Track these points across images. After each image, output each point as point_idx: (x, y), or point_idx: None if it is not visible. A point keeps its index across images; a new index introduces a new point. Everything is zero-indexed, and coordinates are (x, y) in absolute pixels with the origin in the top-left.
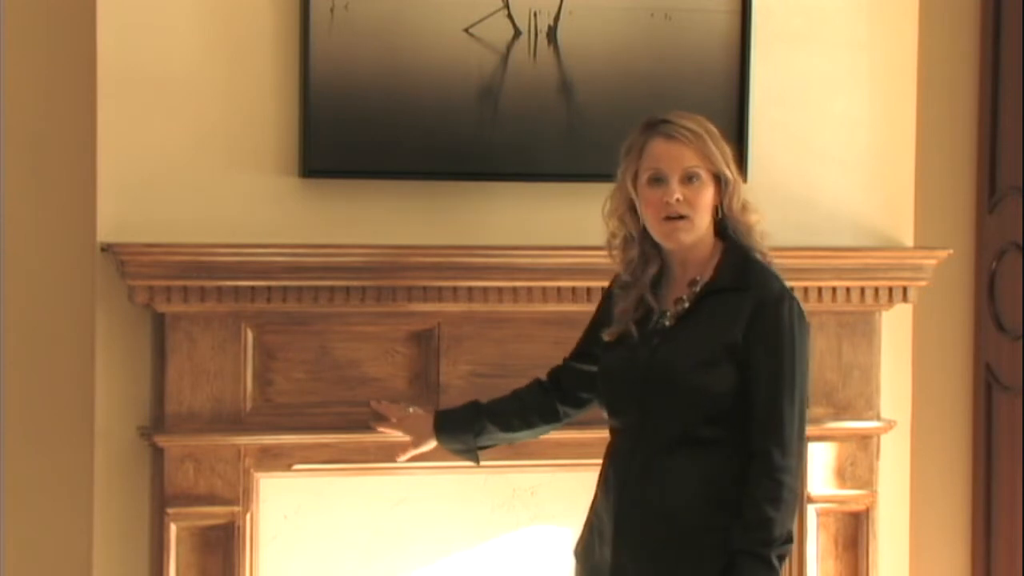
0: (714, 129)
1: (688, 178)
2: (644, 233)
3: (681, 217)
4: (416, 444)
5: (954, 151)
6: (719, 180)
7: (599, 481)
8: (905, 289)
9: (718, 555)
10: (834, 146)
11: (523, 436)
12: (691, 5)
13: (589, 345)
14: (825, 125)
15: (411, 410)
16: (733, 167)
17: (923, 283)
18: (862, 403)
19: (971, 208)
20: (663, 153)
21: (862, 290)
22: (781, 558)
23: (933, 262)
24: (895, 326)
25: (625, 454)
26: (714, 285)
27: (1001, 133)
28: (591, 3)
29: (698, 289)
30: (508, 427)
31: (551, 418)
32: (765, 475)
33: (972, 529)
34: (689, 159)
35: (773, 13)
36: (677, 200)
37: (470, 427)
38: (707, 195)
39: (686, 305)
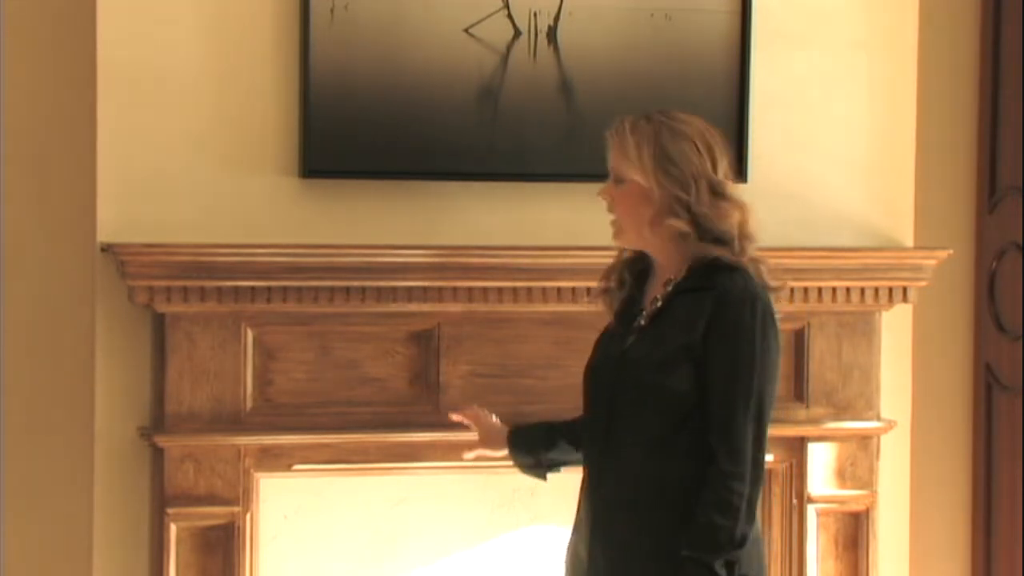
0: (676, 128)
1: (614, 180)
2: None
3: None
4: (485, 445)
5: (954, 151)
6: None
7: (580, 482)
8: (905, 289)
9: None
10: (834, 146)
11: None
12: (691, 5)
13: None
14: (825, 125)
15: (494, 417)
16: (669, 173)
17: (923, 283)
18: (862, 403)
19: (971, 208)
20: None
21: (862, 290)
22: (730, 565)
23: (933, 262)
24: (895, 326)
25: (596, 452)
26: (683, 285)
27: (1001, 133)
28: (591, 3)
29: (670, 289)
30: (579, 444)
31: None
32: (715, 480)
33: (972, 529)
34: (612, 159)
35: (773, 13)
36: (605, 200)
37: (543, 442)
38: (626, 197)
39: (659, 305)
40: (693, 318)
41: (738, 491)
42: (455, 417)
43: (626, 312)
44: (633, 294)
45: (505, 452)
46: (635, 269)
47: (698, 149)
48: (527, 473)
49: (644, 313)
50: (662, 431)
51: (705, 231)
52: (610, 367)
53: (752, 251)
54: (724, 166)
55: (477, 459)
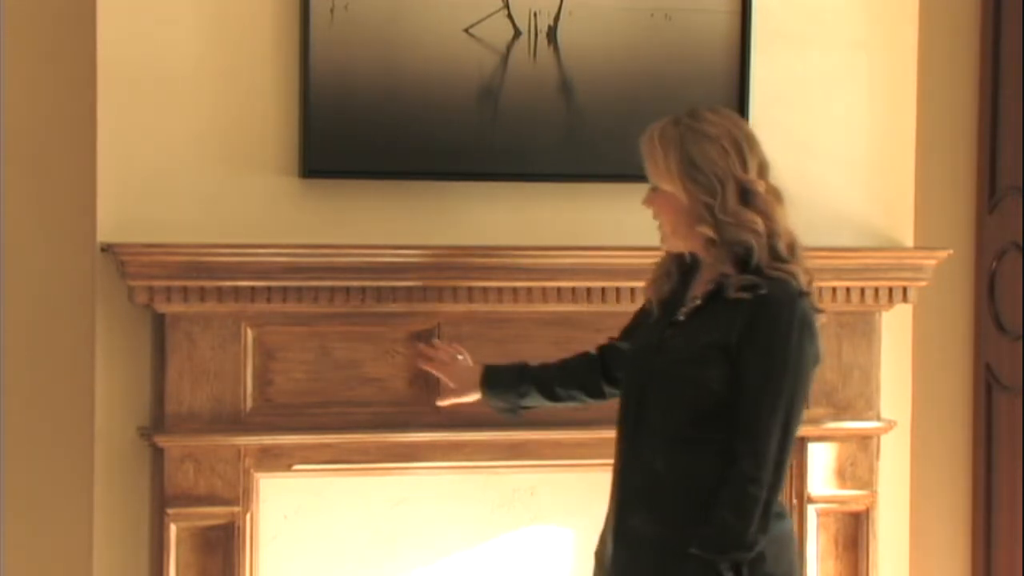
0: (700, 131)
1: (651, 187)
2: None
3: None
4: (459, 393)
5: (954, 151)
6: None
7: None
8: (905, 289)
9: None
10: (834, 146)
11: (566, 405)
12: (691, 5)
13: (636, 326)
14: (825, 125)
15: (460, 357)
16: (695, 180)
17: (923, 283)
18: (862, 403)
19: (971, 208)
20: None
21: (862, 290)
22: (737, 565)
23: (933, 262)
24: (895, 326)
25: (626, 444)
26: (723, 285)
27: (1001, 133)
28: (591, 3)
29: (711, 288)
30: (551, 395)
31: (595, 393)
32: (735, 482)
33: (972, 529)
34: (646, 168)
35: (773, 13)
36: (648, 208)
37: (514, 388)
38: (663, 205)
39: (698, 302)
40: (730, 318)
41: (755, 495)
42: (426, 367)
43: (670, 305)
44: (678, 288)
45: (478, 397)
46: (683, 264)
47: (724, 149)
48: (500, 414)
49: (683, 309)
50: (687, 427)
51: (724, 241)
52: (645, 357)
53: (783, 259)
54: (756, 162)
55: (451, 407)
